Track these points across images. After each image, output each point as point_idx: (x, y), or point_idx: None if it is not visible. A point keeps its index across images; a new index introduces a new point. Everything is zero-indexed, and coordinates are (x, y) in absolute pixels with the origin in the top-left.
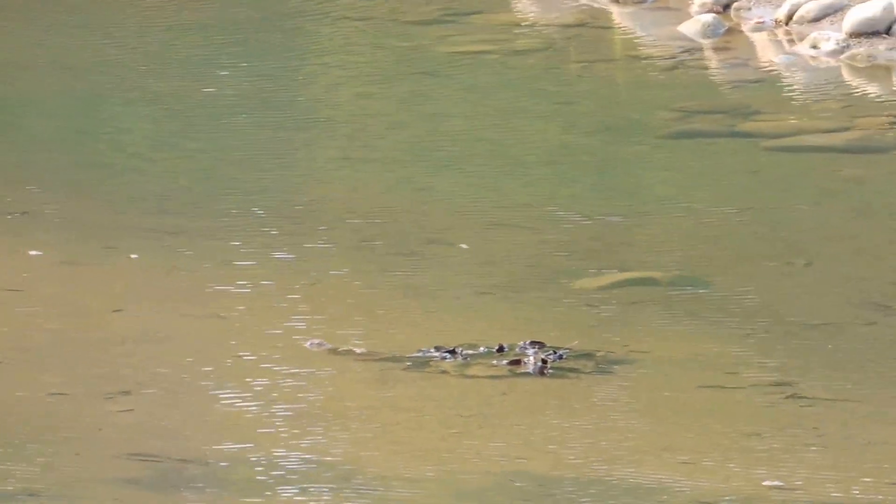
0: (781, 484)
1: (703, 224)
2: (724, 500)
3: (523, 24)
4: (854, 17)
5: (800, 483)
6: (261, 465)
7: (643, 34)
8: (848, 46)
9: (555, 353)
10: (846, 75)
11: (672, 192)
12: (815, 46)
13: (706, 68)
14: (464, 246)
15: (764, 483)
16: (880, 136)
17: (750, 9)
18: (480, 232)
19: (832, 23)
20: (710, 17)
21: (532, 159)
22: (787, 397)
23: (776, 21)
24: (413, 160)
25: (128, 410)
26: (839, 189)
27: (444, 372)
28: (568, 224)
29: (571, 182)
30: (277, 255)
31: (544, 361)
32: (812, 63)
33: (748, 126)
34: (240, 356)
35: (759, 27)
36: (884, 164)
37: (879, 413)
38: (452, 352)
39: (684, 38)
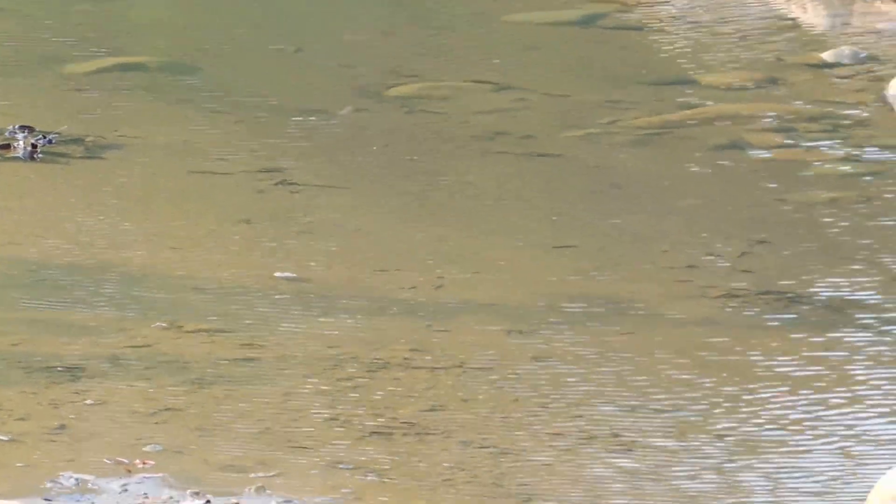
0: (294, 275)
1: (191, 9)
2: (218, 287)
3: None
4: None
5: (308, 273)
6: None
7: None
8: None
9: (44, 137)
10: None
11: None
12: None
13: None
14: None
15: (276, 274)
16: None
17: None
18: None
19: None
20: None
21: None
22: (276, 183)
23: None
24: None
25: None
26: None
27: None
28: (58, 6)
29: None
30: None
31: (34, 146)
32: None
33: None
34: None
35: None
36: None
37: (365, 200)
38: None
39: None
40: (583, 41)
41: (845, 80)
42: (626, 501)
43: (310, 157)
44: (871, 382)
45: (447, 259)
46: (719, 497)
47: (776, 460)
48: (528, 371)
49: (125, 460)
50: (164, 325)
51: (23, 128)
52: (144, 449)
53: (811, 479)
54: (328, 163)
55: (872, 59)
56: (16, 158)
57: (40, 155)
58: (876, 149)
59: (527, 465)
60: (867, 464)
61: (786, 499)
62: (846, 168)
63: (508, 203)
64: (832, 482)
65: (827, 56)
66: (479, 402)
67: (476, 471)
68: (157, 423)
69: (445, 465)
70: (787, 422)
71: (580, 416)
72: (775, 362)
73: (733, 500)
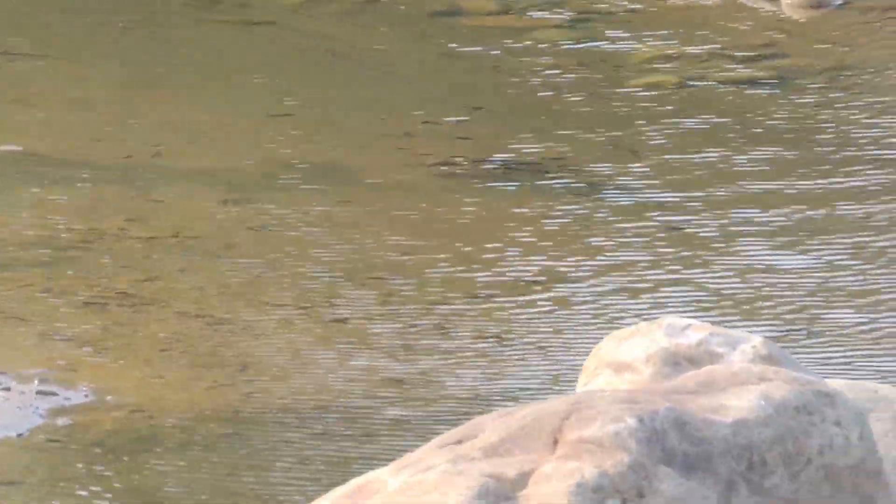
0: (14, 147)
1: None
2: None
3: None
4: None
5: (24, 144)
6: None
7: None
8: None
9: None
10: None
11: None
12: None
13: None
14: None
15: (1, 147)
16: None
17: None
18: None
19: None
20: None
21: None
22: None
23: None
24: None
25: None
26: None
27: None
28: None
29: None
30: None
31: None
32: None
33: None
34: None
35: None
36: None
37: (82, 69)
38: None
39: None
40: None
41: None
42: (335, 363)
43: (24, 26)
44: (593, 245)
45: (164, 128)
46: (433, 364)
47: (492, 328)
48: (244, 240)
49: None
50: None
51: None
52: None
53: (531, 345)
54: (44, 31)
55: None
56: None
57: None
58: (591, 15)
59: (243, 335)
60: (584, 329)
61: (507, 367)
62: (562, 34)
63: (225, 71)
64: (547, 348)
65: None
66: (196, 272)
67: (192, 340)
68: None
69: (162, 335)
70: (506, 287)
71: (296, 286)
72: (493, 228)
73: (447, 371)
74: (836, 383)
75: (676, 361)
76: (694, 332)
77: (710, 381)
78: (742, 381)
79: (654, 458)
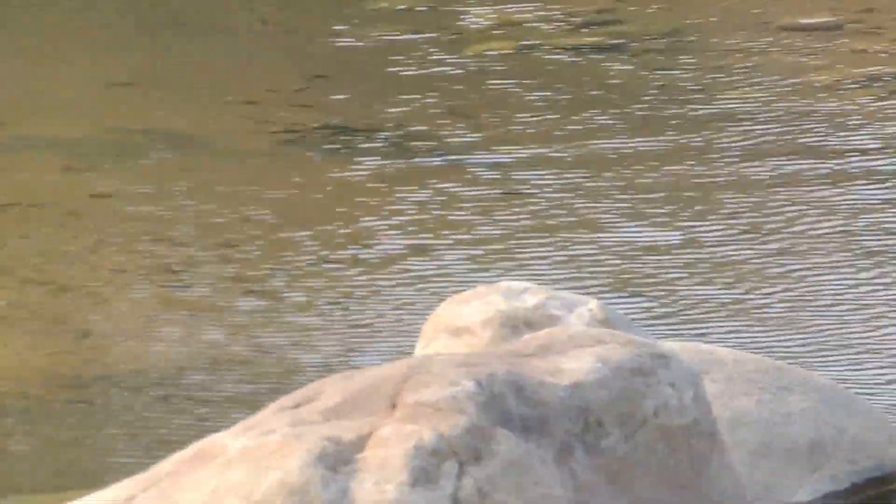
0: None
1: None
2: None
3: None
4: None
5: None
6: None
7: None
8: None
9: None
10: None
11: None
12: None
13: None
14: None
15: None
16: None
17: None
18: None
19: None
20: None
21: None
22: None
23: None
24: None
25: None
26: None
27: None
28: None
29: None
30: None
31: None
32: None
33: None
34: None
35: None
36: None
37: None
38: None
39: None
40: None
41: None
42: (179, 332)
43: None
44: (442, 214)
45: (4, 96)
46: (283, 338)
47: (343, 300)
48: (87, 209)
49: None
50: None
51: None
52: None
53: (386, 318)
54: None
55: None
56: None
57: None
58: None
59: (86, 301)
60: (439, 299)
61: (360, 340)
62: (404, 4)
63: (65, 40)
64: (403, 319)
65: None
66: (38, 240)
67: (35, 308)
68: None
69: (3, 302)
70: (358, 258)
71: (141, 255)
72: (343, 196)
73: (297, 344)
74: (671, 345)
75: (514, 325)
76: (531, 295)
77: (548, 344)
78: (579, 344)
79: (492, 421)
